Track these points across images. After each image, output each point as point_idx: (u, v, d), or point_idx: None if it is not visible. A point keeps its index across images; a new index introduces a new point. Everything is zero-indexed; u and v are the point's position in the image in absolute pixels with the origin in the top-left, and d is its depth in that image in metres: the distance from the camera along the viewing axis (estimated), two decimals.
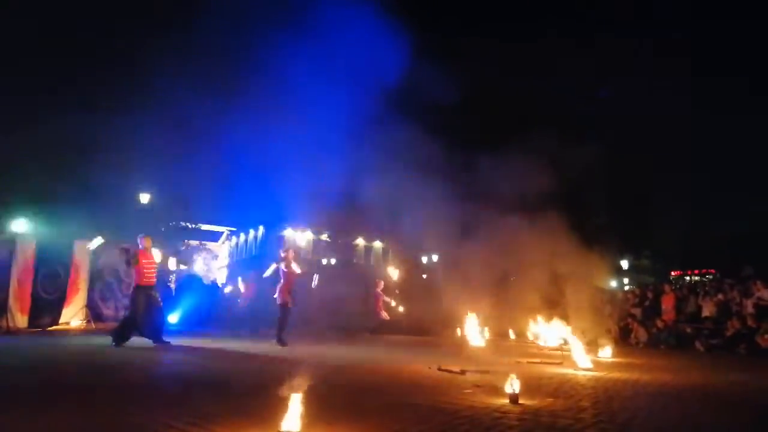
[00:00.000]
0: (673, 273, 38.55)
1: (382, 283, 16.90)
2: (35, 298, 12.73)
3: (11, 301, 12.16)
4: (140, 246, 9.90)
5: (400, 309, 16.13)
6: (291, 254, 11.20)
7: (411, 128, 12.31)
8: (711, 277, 30.74)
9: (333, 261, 34.45)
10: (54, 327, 12.99)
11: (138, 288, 9.69)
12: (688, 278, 35.88)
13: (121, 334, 9.40)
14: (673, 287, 17.80)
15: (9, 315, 11.98)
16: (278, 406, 3.86)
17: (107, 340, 9.48)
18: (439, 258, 23.51)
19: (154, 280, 10.02)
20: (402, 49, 12.01)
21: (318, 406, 3.63)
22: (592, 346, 9.92)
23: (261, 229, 44.34)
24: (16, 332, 11.63)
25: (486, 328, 14.12)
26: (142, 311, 9.63)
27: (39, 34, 19.55)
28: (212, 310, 17.46)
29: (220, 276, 39.46)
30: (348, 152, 12.64)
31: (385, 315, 15.88)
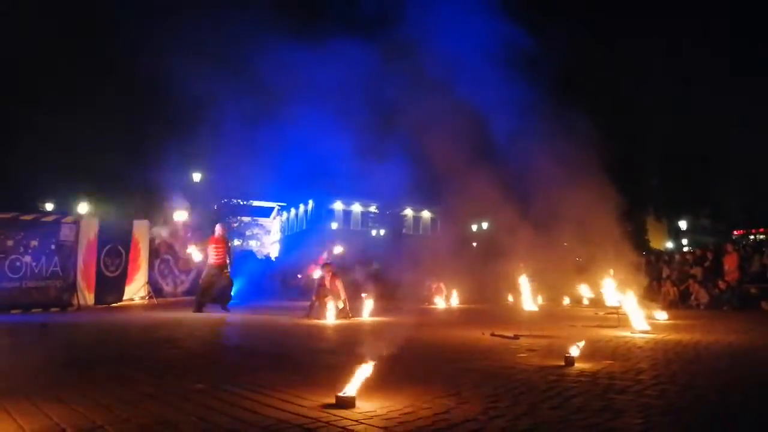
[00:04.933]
0: (735, 233, 36.94)
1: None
2: (99, 276, 13.40)
3: (79, 279, 12.83)
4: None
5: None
6: (332, 269, 10.58)
7: (454, 95, 12.10)
8: None
9: (382, 232, 34.61)
10: (118, 303, 13.63)
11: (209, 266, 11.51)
12: (752, 237, 34.35)
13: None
14: (736, 247, 17.06)
15: (79, 293, 12.66)
16: (334, 373, 3.92)
17: (169, 314, 9.88)
18: (489, 225, 23.27)
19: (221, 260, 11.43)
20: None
21: (373, 372, 3.67)
22: (649, 308, 9.67)
23: (310, 203, 45.01)
24: (86, 309, 12.32)
25: (539, 294, 13.97)
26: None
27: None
28: (266, 284, 18.01)
29: (273, 251, 40.30)
30: (395, 122, 12.58)
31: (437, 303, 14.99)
